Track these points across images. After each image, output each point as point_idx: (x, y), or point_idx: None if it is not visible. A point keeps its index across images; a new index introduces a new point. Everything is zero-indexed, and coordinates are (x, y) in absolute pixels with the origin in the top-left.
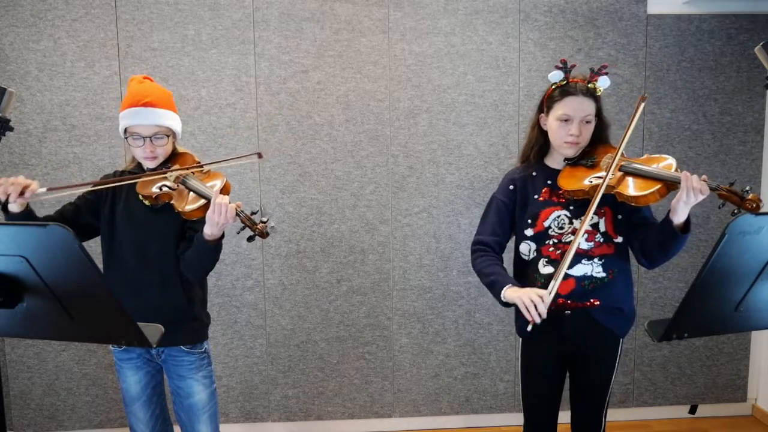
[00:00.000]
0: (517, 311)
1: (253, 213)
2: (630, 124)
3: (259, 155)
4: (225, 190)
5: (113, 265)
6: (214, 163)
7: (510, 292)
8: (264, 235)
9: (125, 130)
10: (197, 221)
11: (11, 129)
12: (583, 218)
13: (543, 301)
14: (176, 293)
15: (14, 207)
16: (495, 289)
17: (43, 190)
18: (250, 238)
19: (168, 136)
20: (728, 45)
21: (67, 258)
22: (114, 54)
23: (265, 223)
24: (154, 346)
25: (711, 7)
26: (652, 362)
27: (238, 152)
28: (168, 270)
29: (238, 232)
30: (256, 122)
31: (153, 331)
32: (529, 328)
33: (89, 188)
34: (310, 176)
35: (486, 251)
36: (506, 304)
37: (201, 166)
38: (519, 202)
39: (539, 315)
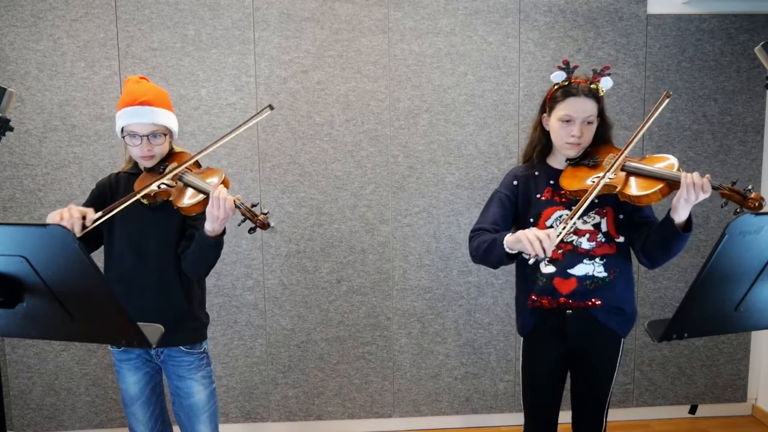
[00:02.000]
0: (519, 311)
1: (253, 205)
2: (647, 120)
3: (271, 107)
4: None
5: (112, 264)
6: (224, 137)
7: (511, 236)
8: (265, 226)
9: (122, 130)
10: (197, 219)
11: (11, 129)
12: (575, 208)
13: (549, 237)
14: (175, 293)
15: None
16: (497, 244)
17: (99, 214)
18: (251, 230)
19: (165, 135)
20: (728, 45)
21: (67, 258)
22: (114, 54)
23: (265, 214)
24: (154, 346)
25: (711, 7)
26: (652, 362)
27: (238, 152)
28: (167, 269)
29: (239, 225)
30: (256, 122)
31: (153, 331)
32: (531, 261)
33: (137, 199)
34: (310, 176)
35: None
36: (513, 257)
37: (198, 159)
38: (521, 199)
39: (544, 250)
